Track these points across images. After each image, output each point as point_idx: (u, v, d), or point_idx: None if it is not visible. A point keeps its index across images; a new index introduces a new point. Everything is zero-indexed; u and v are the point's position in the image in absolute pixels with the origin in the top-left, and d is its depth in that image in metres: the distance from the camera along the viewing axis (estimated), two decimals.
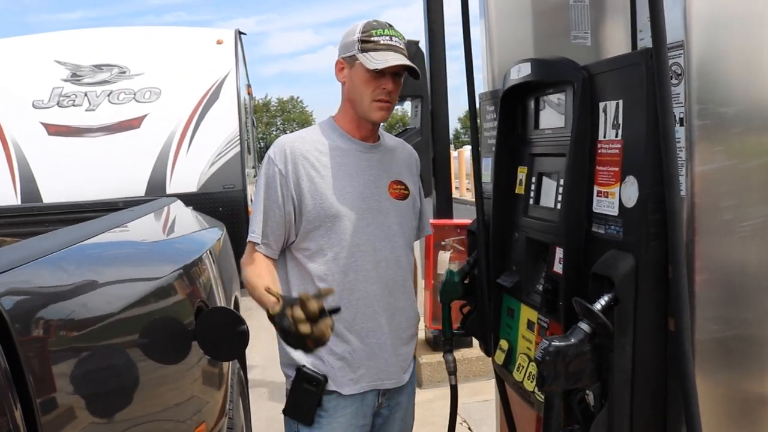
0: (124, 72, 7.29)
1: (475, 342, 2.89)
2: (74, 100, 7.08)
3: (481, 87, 2.75)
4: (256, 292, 2.05)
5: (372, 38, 2.06)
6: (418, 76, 2.17)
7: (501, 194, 2.46)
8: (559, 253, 2.04)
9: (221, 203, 6.53)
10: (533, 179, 2.31)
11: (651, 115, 1.58)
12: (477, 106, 2.65)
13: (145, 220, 3.45)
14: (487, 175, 2.67)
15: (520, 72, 2.18)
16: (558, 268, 2.04)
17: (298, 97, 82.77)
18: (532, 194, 2.31)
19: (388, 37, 2.07)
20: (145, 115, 7.09)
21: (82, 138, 6.94)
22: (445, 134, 5.18)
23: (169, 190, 6.70)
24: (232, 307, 3.51)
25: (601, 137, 1.83)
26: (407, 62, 2.08)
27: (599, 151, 1.84)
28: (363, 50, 2.05)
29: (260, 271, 2.08)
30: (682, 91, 1.58)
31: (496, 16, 2.81)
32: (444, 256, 4.84)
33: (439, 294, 2.71)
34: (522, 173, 2.38)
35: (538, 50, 2.67)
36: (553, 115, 2.18)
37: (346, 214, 2.06)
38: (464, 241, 4.97)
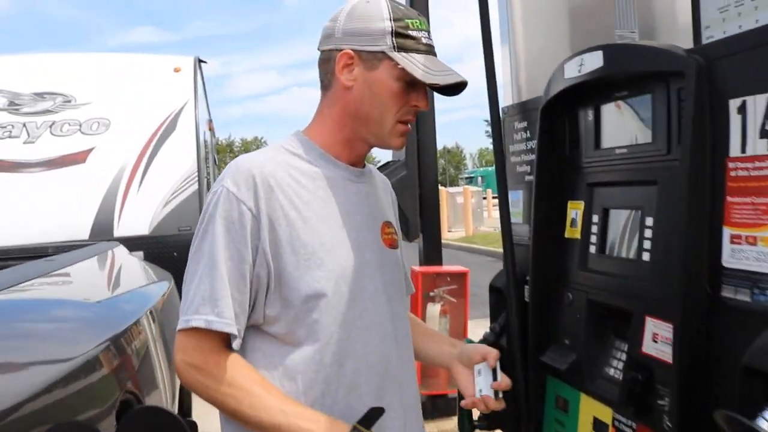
0: (69, 101, 6.51)
1: None
2: (11, 132, 6.26)
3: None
4: (273, 415, 1.26)
5: (410, 31, 1.37)
6: (458, 94, 1.49)
7: (543, 239, 1.82)
8: (654, 326, 1.39)
9: (176, 248, 5.70)
10: (595, 218, 1.66)
11: None
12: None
13: (71, 271, 2.73)
14: (517, 214, 2.02)
15: (583, 66, 1.54)
16: (652, 348, 1.39)
17: (262, 138, 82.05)
18: (593, 239, 1.66)
19: (426, 34, 1.39)
20: (91, 149, 6.29)
21: (19, 173, 6.11)
22: (433, 168, 4.54)
23: (117, 233, 5.90)
24: (177, 397, 2.75)
25: (734, 153, 1.20)
26: (464, 78, 1.39)
27: (731, 173, 1.21)
28: (400, 48, 1.36)
29: (256, 378, 1.30)
30: None
31: (523, 14, 2.20)
32: (433, 310, 4.17)
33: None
34: (575, 210, 1.73)
35: (575, 50, 2.07)
36: (627, 127, 1.54)
37: (342, 276, 1.35)
38: (456, 291, 4.30)
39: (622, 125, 1.57)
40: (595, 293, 1.63)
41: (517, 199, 2.03)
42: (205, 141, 7.95)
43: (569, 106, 1.75)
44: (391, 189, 1.65)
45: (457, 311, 4.27)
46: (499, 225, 1.95)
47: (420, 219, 4.44)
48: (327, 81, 1.41)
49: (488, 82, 1.93)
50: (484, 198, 28.03)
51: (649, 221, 1.45)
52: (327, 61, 1.40)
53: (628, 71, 1.45)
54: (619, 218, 1.59)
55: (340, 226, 1.37)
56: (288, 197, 1.32)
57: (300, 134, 1.45)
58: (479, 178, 45.25)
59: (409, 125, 1.40)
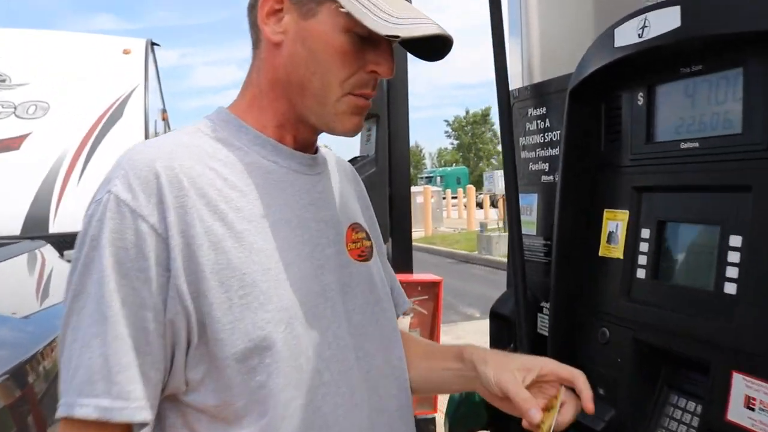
0: (3, 80, 5.93)
1: None
2: None
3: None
4: None
5: None
6: (441, 57, 1.05)
7: (569, 257, 1.42)
8: (747, 386, 1.00)
9: None
10: (645, 233, 1.27)
11: None
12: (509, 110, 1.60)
13: None
14: (529, 223, 1.63)
15: (649, 29, 1.14)
16: (744, 416, 1.00)
17: None
18: (642, 260, 1.27)
19: None
20: (27, 135, 5.72)
21: None
22: (405, 164, 4.11)
23: (52, 229, 5.36)
24: None
25: None
26: (444, 31, 0.94)
27: None
28: None
29: None
30: None
31: None
32: (403, 323, 3.76)
33: (447, 421, 1.63)
34: (615, 221, 1.34)
35: (600, 24, 1.69)
36: (701, 114, 1.16)
37: (296, 316, 0.92)
38: (428, 302, 3.90)
39: (691, 111, 1.18)
40: (645, 331, 1.24)
41: (529, 204, 1.63)
42: (157, 132, 7.40)
43: (609, 87, 1.36)
44: (357, 178, 1.25)
45: (428, 324, 3.88)
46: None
47: (390, 221, 4.03)
48: (254, 36, 1.01)
49: (496, 56, 1.53)
50: (444, 198, 27.88)
51: (735, 241, 1.06)
52: (252, 7, 0.99)
53: (719, 33, 1.05)
54: (684, 235, 1.20)
55: (290, 241, 0.95)
56: (211, 204, 0.88)
57: (225, 111, 1.03)
58: (438, 178, 45.18)
59: (369, 101, 0.98)
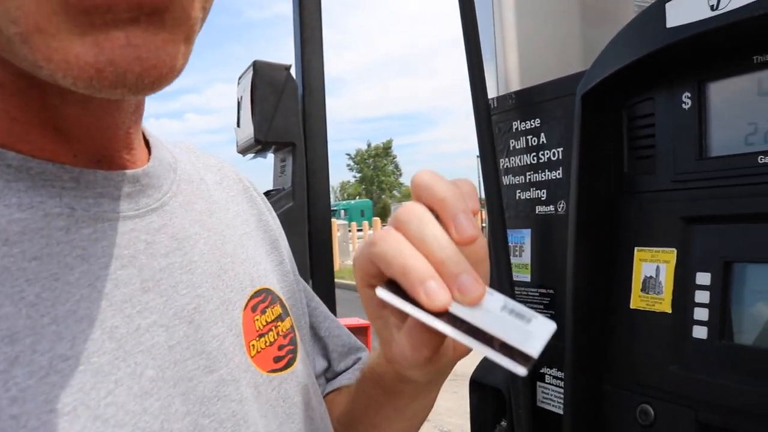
0: None
1: None
2: None
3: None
4: None
5: None
6: None
7: (588, 311, 1.09)
8: None
9: None
10: (701, 278, 0.95)
11: None
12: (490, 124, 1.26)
13: None
14: (521, 267, 1.29)
15: (727, 2, 0.83)
16: None
17: None
18: (701, 314, 0.95)
19: None
20: None
21: None
22: (324, 198, 3.74)
23: None
24: None
25: None
26: None
27: None
28: None
29: None
30: None
31: None
32: None
33: None
34: (655, 263, 1.02)
35: (589, 22, 1.43)
36: None
37: None
38: None
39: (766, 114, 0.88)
40: (711, 411, 0.91)
41: (519, 242, 1.29)
42: None
43: (633, 89, 1.05)
44: (254, 193, 0.75)
45: None
46: None
47: (309, 261, 3.63)
48: None
49: (469, 60, 1.20)
50: (350, 231, 27.61)
51: None
52: None
53: None
54: (763, 278, 0.89)
55: (140, 387, 0.44)
56: None
57: None
58: (342, 212, 44.94)
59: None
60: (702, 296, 0.95)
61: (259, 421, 0.54)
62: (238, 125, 3.56)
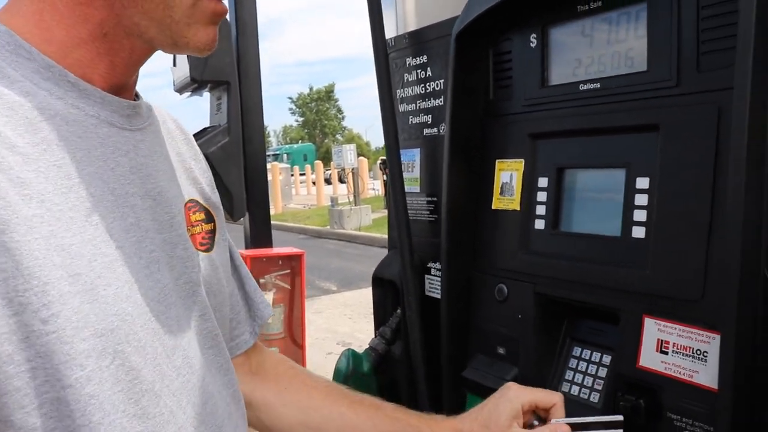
0: None
1: None
2: None
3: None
4: None
5: None
6: None
7: (460, 212, 1.34)
8: (660, 330, 0.97)
9: None
10: (542, 181, 1.21)
11: None
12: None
13: None
14: (412, 180, 1.53)
15: None
16: (656, 361, 0.97)
17: None
18: (541, 210, 1.21)
19: None
20: None
21: None
22: (259, 134, 3.90)
23: None
24: None
25: None
26: None
27: None
28: None
29: None
30: None
31: None
32: (266, 298, 3.59)
33: None
34: (509, 171, 1.27)
35: None
36: (600, 53, 1.10)
37: (127, 339, 0.64)
38: (290, 276, 3.76)
39: (590, 51, 1.13)
40: (546, 284, 1.18)
41: (411, 160, 1.53)
42: None
43: (498, 30, 1.28)
44: (191, 139, 0.95)
45: (292, 299, 3.74)
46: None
47: (246, 194, 3.83)
48: None
49: (370, 3, 1.41)
50: (292, 175, 27.60)
51: (643, 183, 1.02)
52: None
53: None
54: (586, 181, 1.15)
55: (107, 228, 0.66)
56: None
57: None
58: (285, 156, 44.65)
59: (226, 8, 0.72)
60: (541, 196, 1.21)
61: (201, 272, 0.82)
62: (174, 64, 3.70)
